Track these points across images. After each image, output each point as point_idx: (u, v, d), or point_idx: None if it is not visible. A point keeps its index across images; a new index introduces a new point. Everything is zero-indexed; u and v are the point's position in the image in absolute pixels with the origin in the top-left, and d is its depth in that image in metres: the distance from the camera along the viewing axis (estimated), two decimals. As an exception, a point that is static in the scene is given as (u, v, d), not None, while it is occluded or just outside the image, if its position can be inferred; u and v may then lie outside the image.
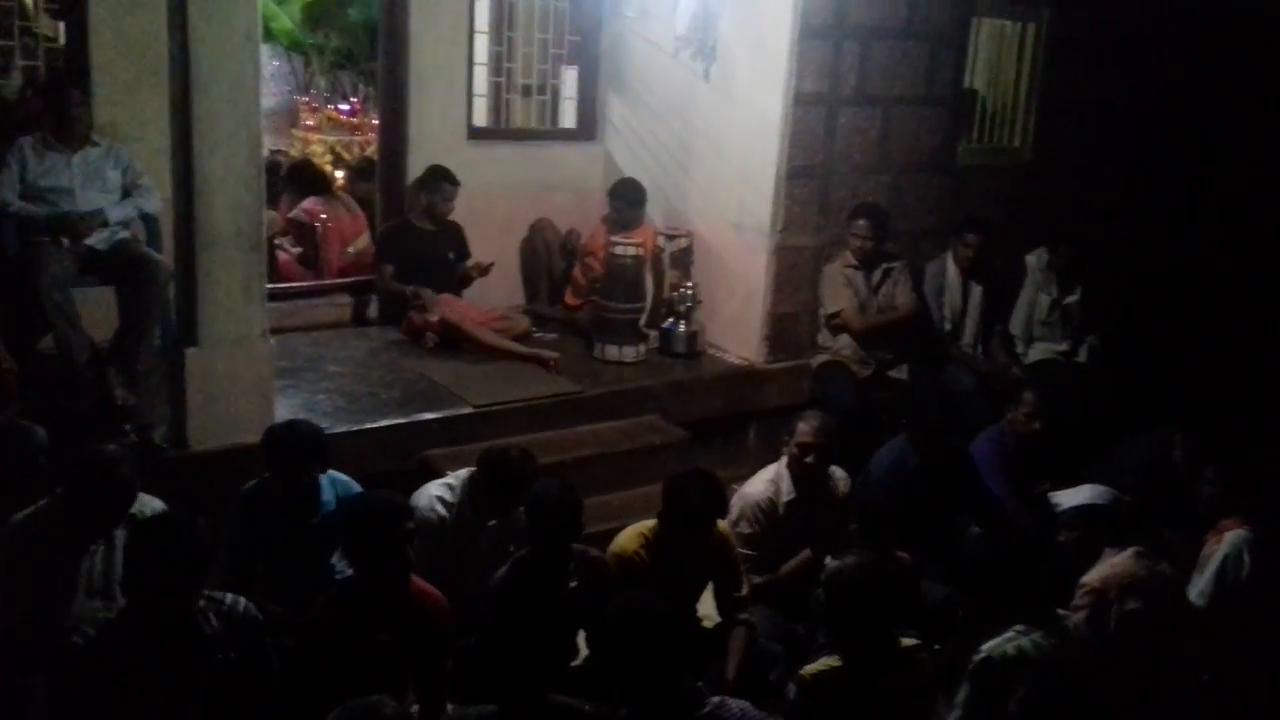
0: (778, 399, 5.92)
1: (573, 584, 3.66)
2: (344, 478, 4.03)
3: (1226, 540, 4.04)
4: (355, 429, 4.69)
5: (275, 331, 5.36)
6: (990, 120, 6.79)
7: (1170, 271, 7.05)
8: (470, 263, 6.13)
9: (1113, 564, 3.77)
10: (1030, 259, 6.36)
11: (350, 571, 3.50)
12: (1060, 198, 6.71)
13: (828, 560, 4.08)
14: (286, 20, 8.76)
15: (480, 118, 6.55)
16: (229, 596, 3.21)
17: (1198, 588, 4.06)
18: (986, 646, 3.31)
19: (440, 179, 5.96)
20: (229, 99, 4.19)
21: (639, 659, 2.66)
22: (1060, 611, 3.54)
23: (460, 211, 6.13)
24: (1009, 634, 3.31)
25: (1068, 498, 3.97)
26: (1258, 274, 7.15)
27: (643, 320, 5.86)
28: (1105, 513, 3.88)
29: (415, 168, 6.17)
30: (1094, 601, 3.71)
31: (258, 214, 4.32)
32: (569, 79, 6.80)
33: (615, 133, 6.76)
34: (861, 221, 5.78)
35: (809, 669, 3.19)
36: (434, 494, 3.99)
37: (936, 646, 3.82)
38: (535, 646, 3.21)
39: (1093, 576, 3.76)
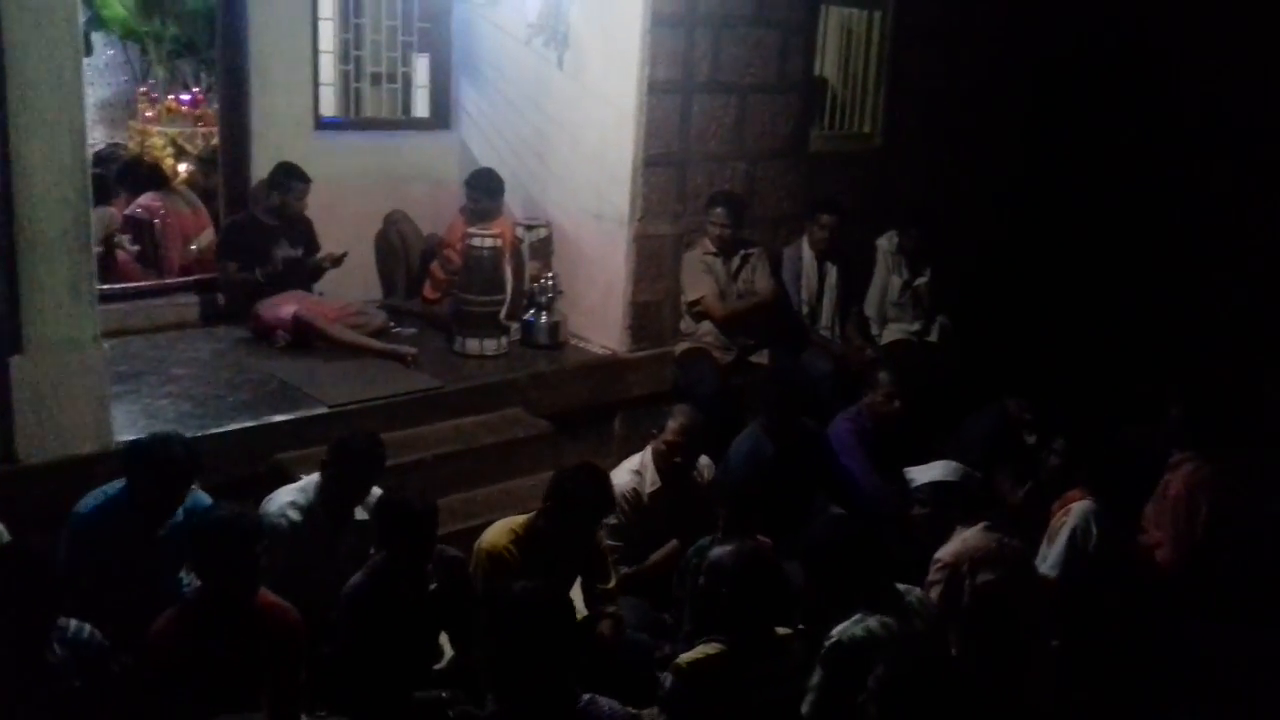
0: (642, 388, 5.92)
1: (432, 586, 3.57)
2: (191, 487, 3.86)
3: (1074, 512, 4.20)
4: (201, 434, 4.46)
5: (114, 334, 5.14)
6: (841, 107, 6.92)
7: (1015, 250, 7.34)
8: (322, 254, 5.94)
9: (964, 538, 3.87)
10: (881, 242, 6.53)
11: (197, 584, 3.35)
12: (909, 182, 6.90)
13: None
14: (119, 7, 8.31)
15: (328, 107, 6.35)
16: (73, 623, 3.08)
17: (1049, 560, 4.21)
18: (836, 630, 3.35)
19: (291, 178, 5.74)
20: (49, 88, 3.93)
21: (535, 651, 2.61)
22: (905, 587, 3.62)
23: (310, 204, 5.92)
24: (856, 616, 3.35)
25: (920, 474, 4.05)
26: (1101, 252, 7.51)
27: (503, 312, 5.77)
28: (956, 488, 3.97)
29: (259, 159, 5.94)
30: (948, 576, 3.81)
31: (84, 211, 4.06)
32: (421, 67, 6.65)
33: (470, 122, 6.64)
34: (719, 209, 5.83)
35: (686, 657, 3.20)
36: (285, 500, 3.85)
37: (801, 627, 3.89)
38: (394, 654, 3.14)
39: (946, 552, 3.85)
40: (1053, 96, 7.55)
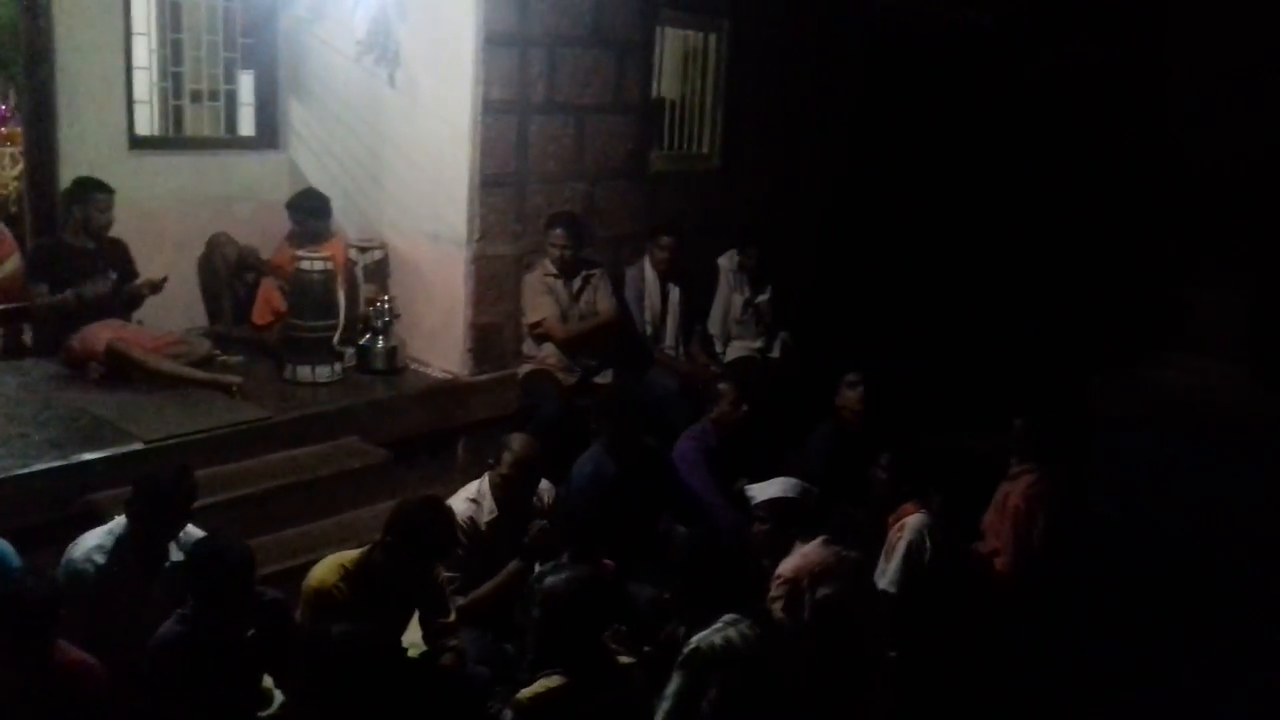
0: (485, 411, 5.81)
1: (250, 632, 3.37)
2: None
3: (909, 526, 4.28)
4: (3, 476, 4.14)
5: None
6: (680, 128, 6.97)
7: (853, 265, 7.52)
8: (140, 280, 5.62)
9: (804, 553, 3.91)
10: (722, 261, 6.59)
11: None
12: (748, 201, 6.99)
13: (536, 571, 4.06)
14: (-86, 19, 7.75)
15: (144, 126, 6.02)
16: None
17: (888, 575, 4.28)
18: (696, 638, 3.36)
19: (90, 189, 5.39)
20: None
21: (351, 695, 2.48)
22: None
23: (127, 228, 5.61)
24: (718, 624, 3.36)
25: (760, 491, 4.07)
26: (940, 267, 7.76)
27: (336, 338, 5.57)
28: (794, 504, 4.00)
29: (68, 181, 5.58)
30: (788, 591, 3.84)
31: None
32: (246, 84, 6.39)
33: (300, 141, 6.41)
34: (558, 231, 5.77)
35: (525, 693, 3.10)
36: (92, 544, 3.60)
37: (647, 648, 3.84)
38: (209, 705, 2.96)
39: (786, 567, 3.88)
40: (884, 112, 7.78)
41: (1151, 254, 7.37)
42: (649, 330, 6.27)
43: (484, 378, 5.87)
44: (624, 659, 3.30)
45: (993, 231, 7.87)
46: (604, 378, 5.91)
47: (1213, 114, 7.02)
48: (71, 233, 5.47)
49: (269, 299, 5.97)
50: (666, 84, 6.81)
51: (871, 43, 7.60)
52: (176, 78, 6.18)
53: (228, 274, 6.10)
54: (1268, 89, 6.80)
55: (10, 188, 7.14)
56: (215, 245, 6.09)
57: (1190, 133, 7.11)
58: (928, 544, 4.25)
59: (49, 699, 3.00)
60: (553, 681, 3.09)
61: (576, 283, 5.88)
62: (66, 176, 5.60)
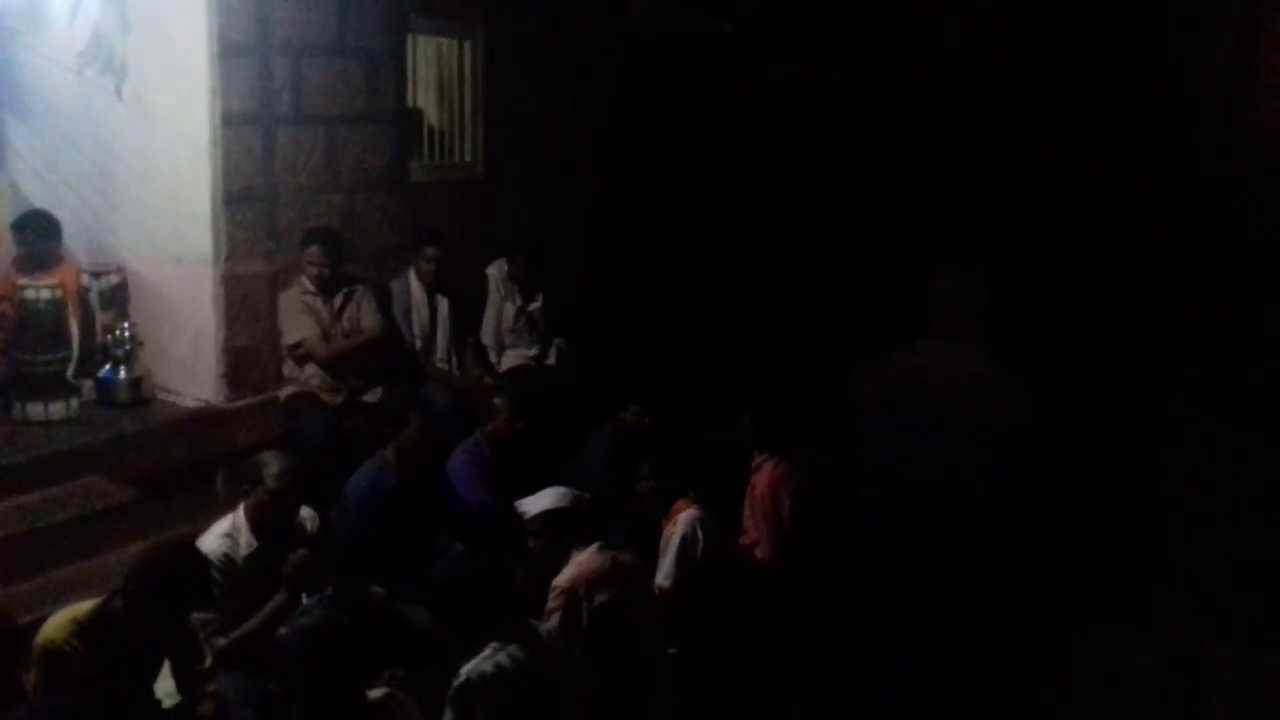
0: (246, 439, 5.49)
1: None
2: None
3: (681, 522, 4.36)
4: None
5: None
6: (441, 137, 6.84)
7: (621, 270, 7.61)
8: None
9: (579, 562, 3.90)
10: (491, 270, 6.53)
11: None
12: (514, 209, 6.95)
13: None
14: None
15: None
16: None
17: (663, 570, 4.35)
18: (465, 668, 3.28)
19: None
20: None
21: None
22: (532, 621, 3.59)
23: None
24: (486, 652, 3.29)
25: (532, 504, 4.03)
26: (703, 267, 7.96)
27: (70, 370, 5.15)
28: (567, 514, 3.98)
29: None
30: (565, 602, 3.82)
31: None
32: (-46, 99, 5.82)
33: (21, 161, 5.88)
34: (314, 247, 5.55)
35: None
36: None
37: (426, 671, 3.73)
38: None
39: (562, 578, 3.87)
40: (641, 113, 7.90)
41: (902, 249, 7.82)
42: (419, 344, 6.13)
43: (242, 404, 5.56)
44: (377, 693, 3.13)
45: (755, 231, 8.16)
46: (372, 396, 5.72)
47: (942, 117, 7.52)
48: None
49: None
50: (423, 93, 6.68)
51: (623, 49, 7.71)
52: None
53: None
54: (999, 83, 7.35)
55: None
56: None
57: (927, 135, 7.59)
58: (700, 537, 4.33)
59: None
60: None
61: (338, 300, 5.67)
62: None
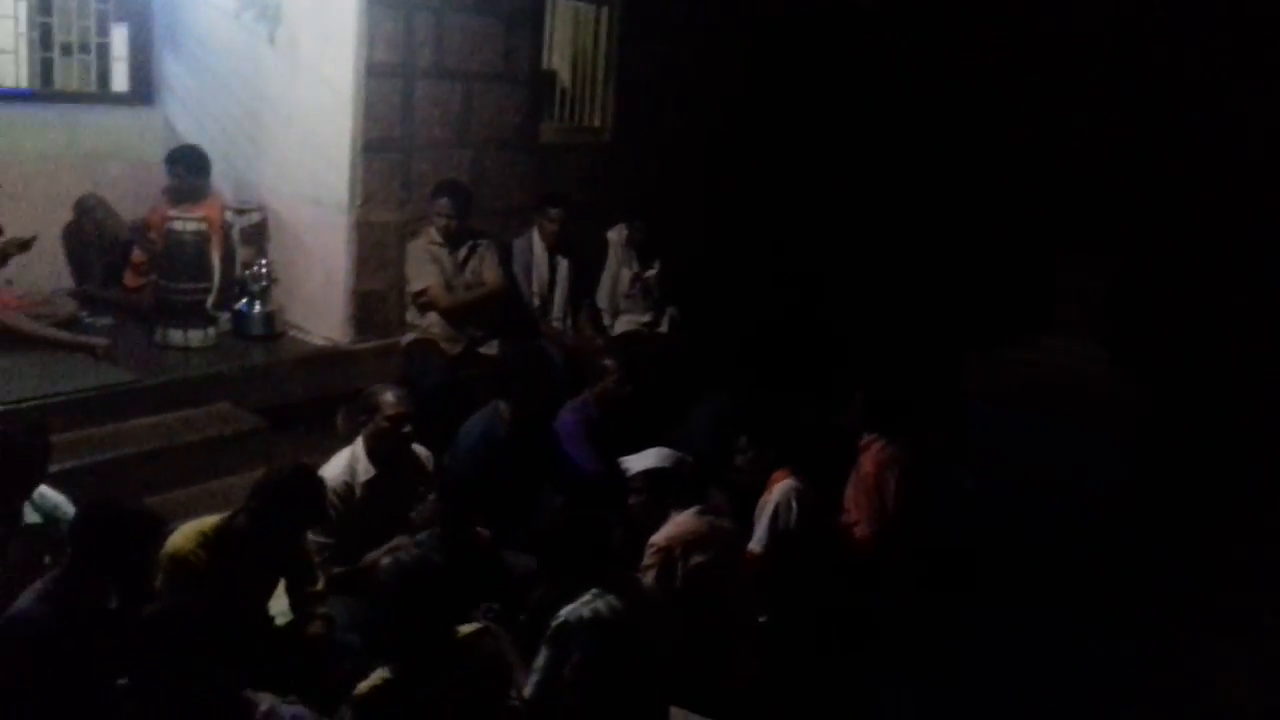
0: (366, 380, 5.62)
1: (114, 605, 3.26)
2: None
3: (776, 490, 4.41)
4: None
5: None
6: (571, 100, 6.94)
7: (740, 241, 7.62)
8: (4, 239, 5.38)
9: (677, 522, 3.98)
10: (611, 234, 6.61)
11: None
12: (638, 175, 7.01)
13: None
14: None
15: (9, 78, 5.75)
16: None
17: (755, 536, 4.40)
18: (564, 611, 3.37)
19: None
20: None
21: (176, 671, 2.42)
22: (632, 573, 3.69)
23: (-12, 182, 5.37)
24: (585, 597, 3.38)
25: (634, 462, 4.12)
26: (825, 245, 7.91)
27: (210, 301, 5.43)
28: (669, 475, 4.06)
29: (-77, 134, 5.33)
30: (661, 559, 3.90)
31: None
32: (119, 37, 6.14)
33: (175, 98, 6.20)
34: (444, 200, 5.71)
35: (362, 686, 2.99)
36: (-60, 507, 3.45)
37: (522, 616, 3.86)
38: (68, 686, 2.86)
39: (659, 536, 3.95)
40: (773, 89, 7.87)
41: (1025, 238, 7.64)
42: (536, 302, 6.26)
43: (366, 346, 5.78)
44: (468, 628, 3.20)
45: (877, 211, 8.06)
46: (489, 348, 5.88)
47: (1080, 101, 7.30)
48: None
49: (140, 261, 5.77)
50: (558, 56, 6.78)
51: (760, 19, 7.68)
52: (45, 28, 5.91)
53: (97, 239, 5.87)
54: (1122, 76, 7.10)
55: None
56: (83, 210, 5.82)
57: (1062, 120, 7.38)
58: (794, 506, 4.37)
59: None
60: (385, 673, 2.98)
61: (462, 252, 5.83)
62: (-79, 128, 5.35)
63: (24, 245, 5.37)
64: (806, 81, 7.92)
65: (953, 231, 7.88)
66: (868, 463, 4.82)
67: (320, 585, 3.87)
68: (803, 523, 4.40)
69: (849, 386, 5.10)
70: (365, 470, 4.22)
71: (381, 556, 4.10)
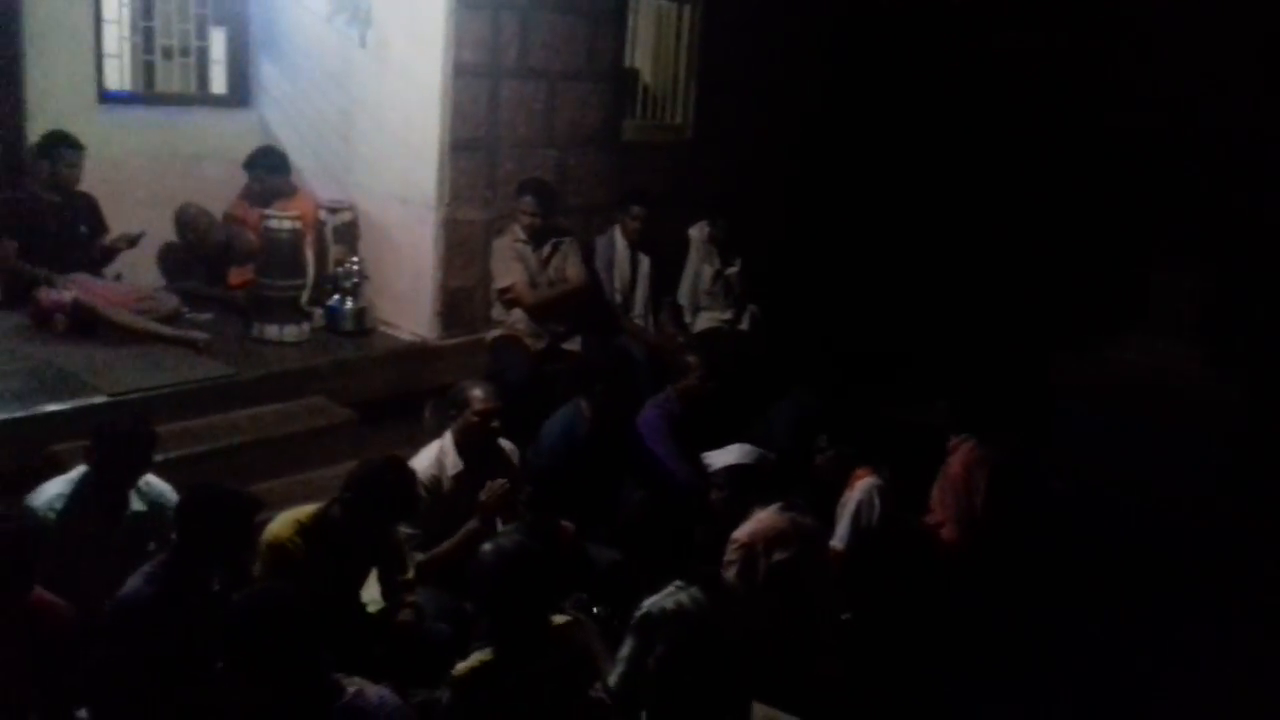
0: (453, 375, 5.74)
1: (217, 587, 3.39)
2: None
3: (859, 488, 4.40)
4: (-37, 425, 4.16)
5: None
6: (653, 98, 6.98)
7: (821, 240, 7.59)
8: (114, 236, 5.60)
9: (759, 519, 3.98)
10: (693, 232, 6.63)
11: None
12: (720, 173, 7.02)
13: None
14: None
15: (114, 80, 5.99)
16: None
17: (837, 533, 4.40)
18: (647, 602, 3.40)
19: (60, 145, 5.38)
20: None
21: (265, 655, 2.51)
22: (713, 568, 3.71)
23: (96, 182, 5.60)
24: (669, 589, 3.42)
25: (717, 458, 4.14)
26: (908, 243, 7.84)
27: (304, 298, 5.58)
28: (751, 471, 4.07)
29: (35, 135, 5.55)
30: (744, 555, 3.91)
31: None
32: (217, 41, 6.35)
33: (270, 100, 6.39)
34: (528, 198, 5.79)
35: (461, 667, 3.08)
36: (53, 492, 3.62)
37: (596, 609, 3.91)
38: (173, 661, 2.99)
39: (742, 532, 3.96)
40: (854, 88, 7.82)
41: (1118, 236, 7.48)
42: (618, 299, 6.30)
43: (452, 341, 5.89)
44: (561, 618, 3.26)
45: (962, 208, 7.96)
46: (572, 344, 5.95)
47: (1178, 98, 7.11)
48: (39, 186, 5.45)
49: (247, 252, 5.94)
50: (640, 54, 6.82)
51: (844, 17, 7.63)
52: (148, 32, 6.14)
53: (199, 246, 6.05)
54: (1228, 75, 6.90)
55: None
56: (184, 223, 5.97)
57: (1157, 116, 7.20)
58: (876, 504, 4.35)
59: (23, 635, 3.02)
60: (484, 655, 3.05)
61: (546, 249, 5.91)
62: (34, 130, 5.58)
63: (132, 241, 5.59)
64: (891, 79, 7.85)
65: (1043, 228, 7.74)
66: (956, 463, 4.78)
67: (410, 575, 3.96)
68: (885, 521, 4.38)
69: (933, 386, 5.06)
70: (453, 464, 4.30)
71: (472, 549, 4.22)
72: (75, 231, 5.50)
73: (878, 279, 7.59)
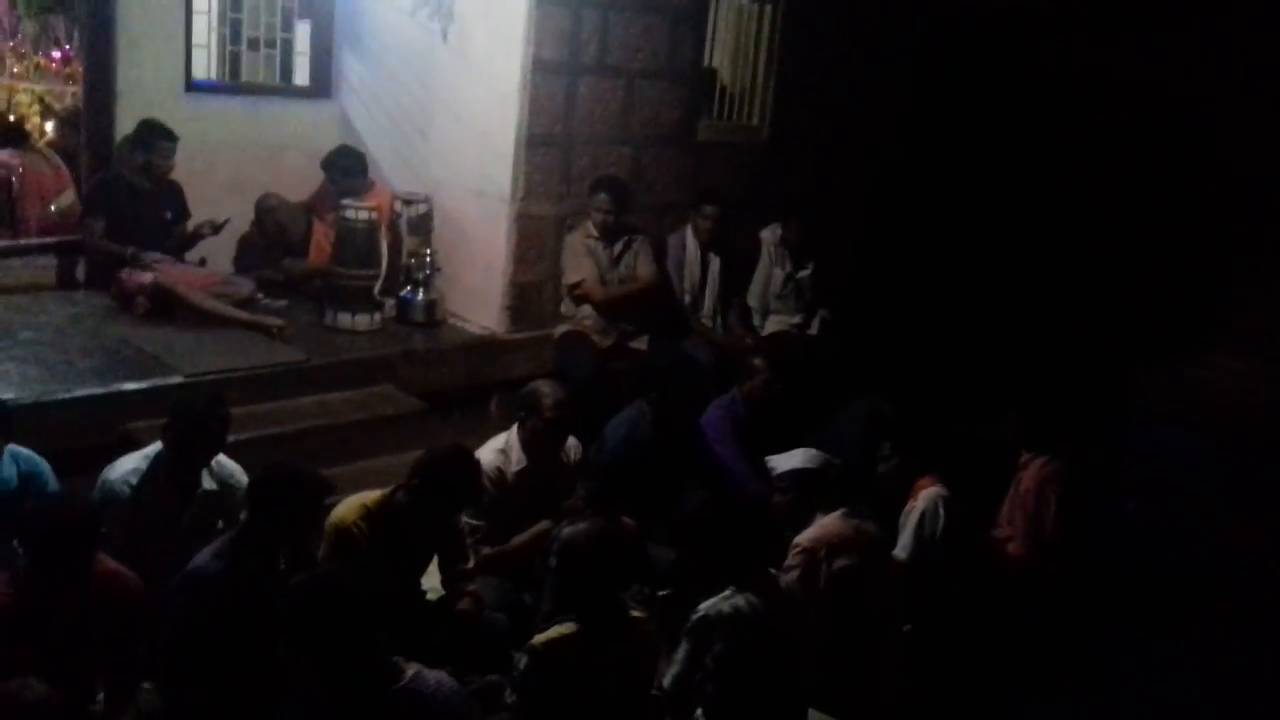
0: (520, 369, 5.85)
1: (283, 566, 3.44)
2: (28, 453, 3.73)
3: (923, 497, 4.32)
4: (45, 400, 4.28)
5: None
6: (730, 98, 6.94)
7: (895, 245, 7.49)
8: (199, 221, 5.73)
9: (823, 524, 3.93)
10: (765, 234, 6.58)
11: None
12: (794, 175, 6.95)
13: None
14: (-14, -42, 7.91)
15: (201, 70, 6.13)
16: None
17: (900, 543, 4.32)
18: (704, 605, 3.39)
19: (156, 135, 5.51)
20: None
21: (324, 635, 2.54)
22: (773, 571, 3.67)
23: (180, 168, 5.71)
24: (725, 593, 3.40)
25: (782, 462, 4.09)
26: (987, 253, 7.70)
27: (377, 288, 5.66)
28: (816, 476, 4.02)
29: (124, 120, 5.72)
30: (805, 561, 3.86)
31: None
32: (302, 33, 6.48)
33: (351, 92, 6.49)
34: (602, 195, 5.80)
35: (540, 638, 3.15)
36: (128, 467, 3.72)
37: (661, 592, 3.91)
38: (237, 637, 3.04)
39: (804, 537, 3.91)
40: (934, 94, 7.70)
41: (1203, 252, 7.27)
42: (687, 299, 6.27)
43: (521, 335, 5.92)
44: (636, 613, 3.33)
45: (1043, 220, 7.80)
46: (639, 343, 5.94)
47: (1269, 112, 6.89)
48: (131, 171, 5.59)
49: (321, 244, 6.05)
50: (719, 53, 6.78)
51: (930, 21, 7.52)
52: (235, 24, 6.29)
53: (279, 237, 6.16)
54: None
55: (34, 122, 7.31)
56: (265, 211, 6.12)
57: (1248, 130, 6.99)
58: (941, 514, 4.27)
59: (92, 605, 3.09)
60: (566, 628, 3.13)
61: (617, 247, 5.91)
62: (124, 116, 5.73)
63: (217, 228, 5.71)
64: (973, 86, 7.72)
65: (1124, 242, 7.55)
66: (1027, 479, 4.67)
67: (471, 564, 3.99)
68: (949, 532, 4.30)
69: (1004, 400, 4.96)
70: (518, 460, 4.32)
71: (529, 540, 4.25)
72: (161, 217, 5.64)
73: (953, 287, 7.46)
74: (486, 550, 4.18)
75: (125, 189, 5.56)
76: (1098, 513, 5.35)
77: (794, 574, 3.85)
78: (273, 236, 6.17)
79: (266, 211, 6.14)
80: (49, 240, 5.95)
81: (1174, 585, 5.24)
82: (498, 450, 4.37)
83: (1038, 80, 7.77)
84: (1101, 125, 7.62)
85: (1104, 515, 5.58)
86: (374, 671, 2.57)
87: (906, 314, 7.08)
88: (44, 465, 3.77)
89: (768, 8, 6.87)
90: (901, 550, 4.28)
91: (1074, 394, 5.84)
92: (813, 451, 4.09)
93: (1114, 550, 5.38)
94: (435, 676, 2.65)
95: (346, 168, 5.92)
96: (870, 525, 4.01)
